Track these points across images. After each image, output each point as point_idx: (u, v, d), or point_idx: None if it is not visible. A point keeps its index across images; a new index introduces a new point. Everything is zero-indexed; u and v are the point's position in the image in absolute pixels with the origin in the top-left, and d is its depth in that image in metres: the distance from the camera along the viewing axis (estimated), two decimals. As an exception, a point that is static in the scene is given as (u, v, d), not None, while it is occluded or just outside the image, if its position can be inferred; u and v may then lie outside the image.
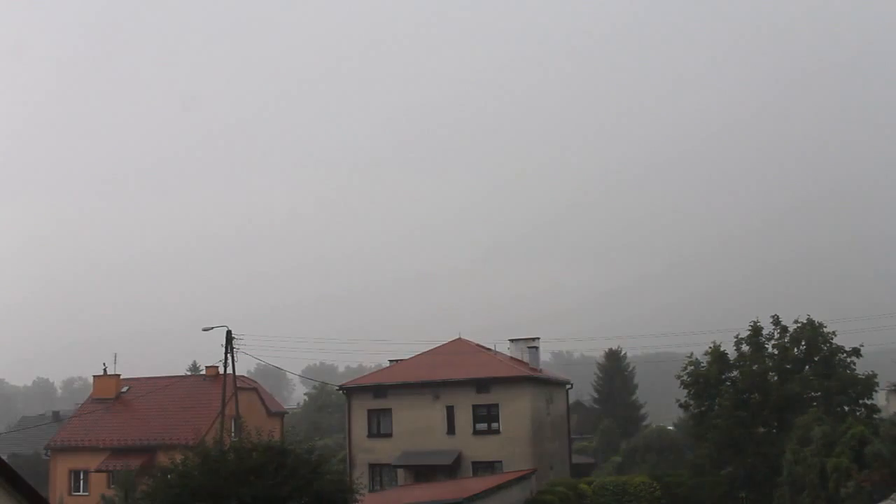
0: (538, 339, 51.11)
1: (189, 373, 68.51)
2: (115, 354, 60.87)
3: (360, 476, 42.64)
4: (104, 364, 54.52)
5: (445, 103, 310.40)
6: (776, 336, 45.25)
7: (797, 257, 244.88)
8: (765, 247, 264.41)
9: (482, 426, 45.84)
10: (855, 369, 43.59)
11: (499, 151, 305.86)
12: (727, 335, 52.30)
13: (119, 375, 54.39)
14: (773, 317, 45.52)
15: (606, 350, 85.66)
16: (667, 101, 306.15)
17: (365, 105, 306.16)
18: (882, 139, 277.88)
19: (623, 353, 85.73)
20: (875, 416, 42.46)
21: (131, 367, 58.84)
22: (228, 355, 43.16)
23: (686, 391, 46.07)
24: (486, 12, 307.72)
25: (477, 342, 52.34)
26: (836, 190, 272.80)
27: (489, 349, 52.02)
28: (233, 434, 41.82)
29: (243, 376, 53.84)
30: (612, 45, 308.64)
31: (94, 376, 55.30)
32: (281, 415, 60.12)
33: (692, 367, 45.54)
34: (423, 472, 45.82)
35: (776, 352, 44.97)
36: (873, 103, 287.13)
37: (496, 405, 45.74)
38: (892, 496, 28.13)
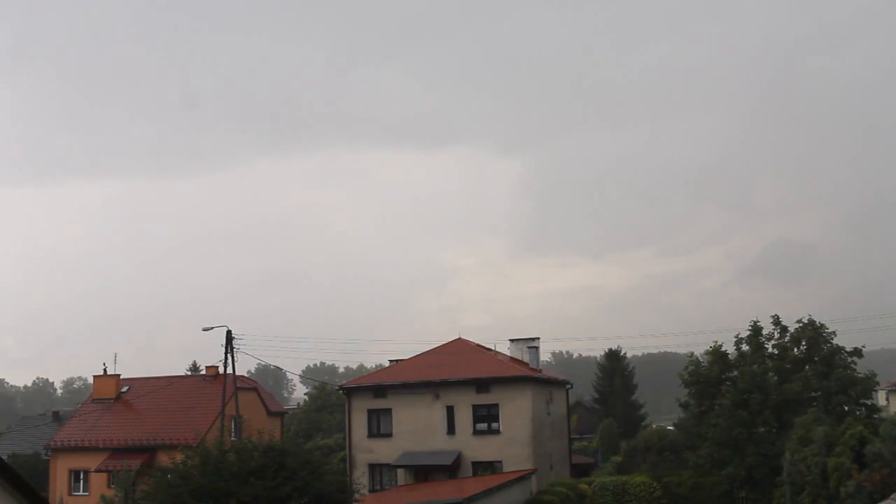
0: (538, 339, 50.99)
1: (189, 373, 68.48)
2: (115, 354, 61.14)
3: (360, 476, 42.68)
4: (104, 364, 54.60)
5: (448, 101, 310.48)
6: (776, 336, 45.33)
7: (797, 257, 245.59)
8: (764, 246, 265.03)
9: (482, 426, 45.79)
10: (855, 369, 43.64)
11: (498, 152, 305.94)
12: (728, 335, 52.40)
13: (119, 375, 54.38)
14: (773, 317, 45.68)
15: (606, 350, 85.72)
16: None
17: (367, 104, 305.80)
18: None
19: (623, 353, 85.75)
20: (875, 415, 42.50)
21: (131, 367, 58.97)
22: (228, 355, 43.25)
23: (687, 391, 46.21)
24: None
25: (477, 342, 52.35)
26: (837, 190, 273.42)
27: (489, 349, 51.99)
28: (233, 434, 41.90)
29: (243, 376, 53.89)
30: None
31: (94, 376, 55.27)
32: (281, 415, 60.15)
33: (693, 367, 45.66)
34: (422, 473, 45.79)
35: (776, 352, 45.04)
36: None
37: (496, 405, 45.69)
38: (893, 496, 28.09)
